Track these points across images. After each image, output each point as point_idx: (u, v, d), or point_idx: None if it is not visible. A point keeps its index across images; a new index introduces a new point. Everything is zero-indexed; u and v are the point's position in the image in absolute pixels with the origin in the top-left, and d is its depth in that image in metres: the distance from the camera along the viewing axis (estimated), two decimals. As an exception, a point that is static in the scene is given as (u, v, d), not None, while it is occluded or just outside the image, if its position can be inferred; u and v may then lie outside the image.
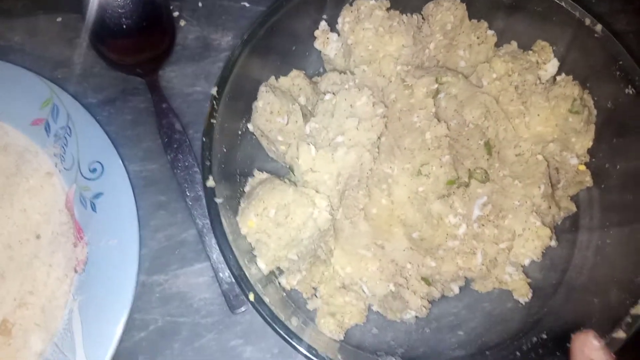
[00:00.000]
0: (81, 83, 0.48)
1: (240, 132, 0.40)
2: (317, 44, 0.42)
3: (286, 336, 0.33)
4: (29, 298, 0.39)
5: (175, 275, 0.44)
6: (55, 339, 0.39)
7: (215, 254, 0.44)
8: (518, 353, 0.39)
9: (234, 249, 0.34)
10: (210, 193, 0.34)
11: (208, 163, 0.34)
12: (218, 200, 0.34)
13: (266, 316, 0.33)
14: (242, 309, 0.43)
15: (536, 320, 0.40)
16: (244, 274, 0.33)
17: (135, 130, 0.48)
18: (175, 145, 0.46)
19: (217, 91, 0.36)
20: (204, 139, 0.35)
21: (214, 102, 0.36)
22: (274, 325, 0.33)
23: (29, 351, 0.38)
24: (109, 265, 0.39)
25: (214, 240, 0.44)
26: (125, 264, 0.39)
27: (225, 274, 0.43)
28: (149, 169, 0.46)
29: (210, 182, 0.35)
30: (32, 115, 0.43)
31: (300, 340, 0.33)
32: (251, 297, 0.33)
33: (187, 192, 0.44)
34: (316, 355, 0.33)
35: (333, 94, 0.39)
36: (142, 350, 0.41)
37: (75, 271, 0.40)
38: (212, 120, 0.35)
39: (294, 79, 0.41)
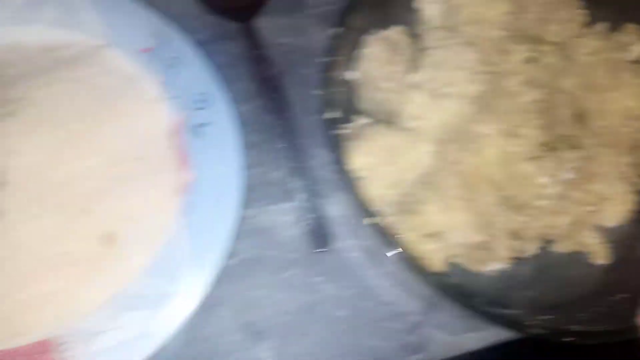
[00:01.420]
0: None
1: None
2: (418, 2, 0.44)
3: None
4: (134, 214, 0.41)
5: (263, 212, 0.46)
6: (159, 256, 0.40)
7: (302, 195, 0.45)
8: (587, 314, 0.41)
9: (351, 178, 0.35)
10: (331, 124, 0.36)
11: (330, 96, 0.36)
12: (345, 129, 0.36)
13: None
14: (325, 248, 0.44)
15: (610, 283, 0.42)
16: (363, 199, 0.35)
17: (227, 73, 0.49)
18: (268, 89, 0.47)
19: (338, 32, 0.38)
20: (327, 74, 0.37)
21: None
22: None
23: (132, 265, 0.40)
24: (214, 190, 0.41)
25: (300, 183, 0.46)
26: (230, 191, 0.41)
27: (311, 214, 0.45)
28: (241, 111, 0.48)
29: (332, 114, 0.37)
30: (141, 44, 0.45)
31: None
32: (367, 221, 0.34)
33: (279, 135, 0.46)
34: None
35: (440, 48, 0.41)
36: (232, 275, 0.43)
37: (180, 194, 0.41)
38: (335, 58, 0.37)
39: (396, 33, 0.43)
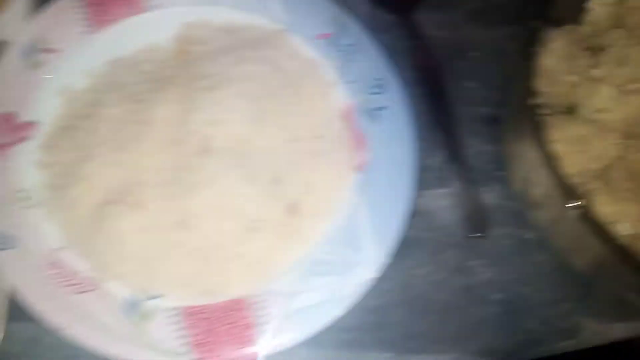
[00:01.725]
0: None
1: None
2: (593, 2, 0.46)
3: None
4: (315, 188, 0.44)
5: (421, 195, 0.48)
6: (340, 227, 0.43)
7: (458, 182, 0.47)
8: None
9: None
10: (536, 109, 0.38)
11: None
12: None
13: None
14: (481, 234, 0.46)
15: None
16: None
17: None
18: (429, 80, 0.50)
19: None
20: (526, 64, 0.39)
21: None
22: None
23: (315, 234, 0.43)
24: (389, 170, 0.43)
25: (456, 170, 0.48)
26: (405, 171, 0.43)
27: (467, 201, 0.47)
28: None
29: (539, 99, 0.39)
30: (319, 30, 0.48)
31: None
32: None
33: (436, 123, 0.48)
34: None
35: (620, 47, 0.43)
36: (394, 253, 0.45)
37: (357, 171, 0.44)
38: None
39: (574, 30, 0.45)
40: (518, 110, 0.42)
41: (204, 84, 0.43)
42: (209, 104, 0.42)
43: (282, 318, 0.39)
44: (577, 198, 0.37)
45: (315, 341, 0.40)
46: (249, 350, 0.38)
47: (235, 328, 0.39)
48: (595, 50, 0.44)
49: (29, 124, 0.43)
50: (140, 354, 0.38)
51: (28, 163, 0.43)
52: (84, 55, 0.46)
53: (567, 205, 0.37)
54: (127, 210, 0.40)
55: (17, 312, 0.41)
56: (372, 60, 0.47)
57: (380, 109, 0.45)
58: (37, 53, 0.45)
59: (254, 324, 0.39)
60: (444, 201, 0.49)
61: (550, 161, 0.37)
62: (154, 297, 0.40)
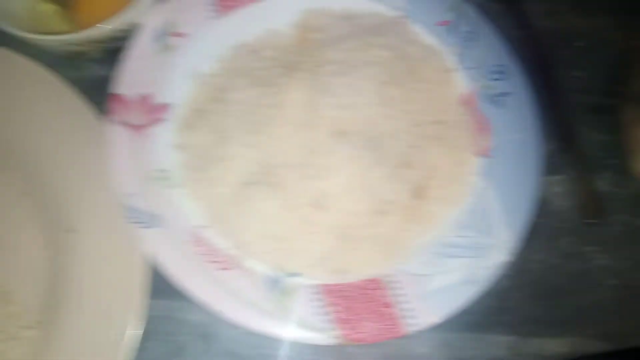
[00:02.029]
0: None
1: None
2: None
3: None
4: (440, 172, 0.44)
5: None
6: (468, 211, 0.43)
7: (572, 169, 0.48)
8: None
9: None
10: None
11: None
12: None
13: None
14: (596, 220, 0.47)
15: None
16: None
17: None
18: (539, 68, 0.50)
19: None
20: None
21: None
22: None
23: (442, 217, 0.44)
24: (515, 155, 0.44)
25: (570, 157, 0.48)
26: (530, 156, 0.44)
27: (581, 188, 0.48)
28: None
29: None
30: (439, 17, 0.48)
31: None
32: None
33: (548, 111, 0.49)
34: None
35: None
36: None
37: (482, 156, 0.45)
38: None
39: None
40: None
41: (331, 69, 0.44)
42: (338, 88, 0.43)
43: (419, 299, 0.40)
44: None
45: (439, 323, 0.41)
46: (391, 327, 0.39)
47: (375, 306, 0.40)
48: None
49: (164, 106, 0.45)
50: (285, 328, 0.39)
51: (165, 144, 0.44)
52: (211, 40, 0.47)
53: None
54: (267, 190, 0.41)
55: (156, 290, 0.42)
56: (492, 47, 0.47)
57: (503, 94, 0.46)
58: (167, 37, 0.46)
59: (392, 303, 0.40)
60: (559, 188, 0.49)
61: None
62: (293, 275, 0.41)
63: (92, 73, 0.50)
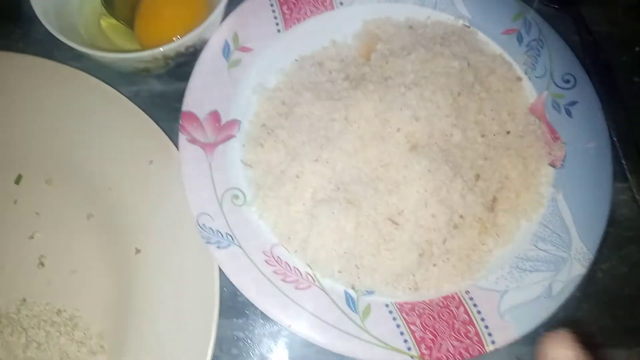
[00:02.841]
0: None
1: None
2: None
3: None
4: (510, 184, 0.44)
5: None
6: (539, 224, 0.43)
7: (635, 176, 0.48)
8: None
9: None
10: None
11: None
12: None
13: None
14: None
15: None
16: None
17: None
18: (601, 74, 0.50)
19: None
20: None
21: None
22: None
23: (516, 230, 0.43)
24: (586, 165, 0.44)
25: (633, 164, 0.48)
26: (602, 166, 0.44)
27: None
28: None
29: None
30: (503, 26, 0.48)
31: None
32: None
33: (614, 117, 0.48)
34: None
35: None
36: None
37: (554, 166, 0.44)
38: None
39: None
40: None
41: (402, 80, 0.44)
42: (411, 100, 0.43)
43: (498, 315, 0.40)
44: None
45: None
46: (472, 345, 0.39)
47: (454, 324, 0.40)
48: None
49: (233, 122, 0.44)
50: (365, 349, 0.39)
51: (235, 161, 0.44)
52: (275, 54, 0.46)
53: None
54: (341, 207, 0.41)
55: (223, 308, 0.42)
56: (559, 55, 0.47)
57: (571, 103, 0.45)
58: (234, 52, 0.45)
59: (472, 320, 0.40)
60: (623, 195, 0.49)
61: None
62: (368, 293, 0.41)
63: (150, 88, 0.50)
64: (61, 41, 0.42)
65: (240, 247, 0.41)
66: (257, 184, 0.43)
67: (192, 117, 0.43)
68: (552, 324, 0.44)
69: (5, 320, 0.42)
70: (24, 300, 0.43)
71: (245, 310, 0.44)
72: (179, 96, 0.48)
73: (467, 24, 0.48)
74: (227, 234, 0.41)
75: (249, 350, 0.43)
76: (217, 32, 0.45)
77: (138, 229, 0.43)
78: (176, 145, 0.44)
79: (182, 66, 0.47)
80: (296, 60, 0.47)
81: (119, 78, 0.49)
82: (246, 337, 0.44)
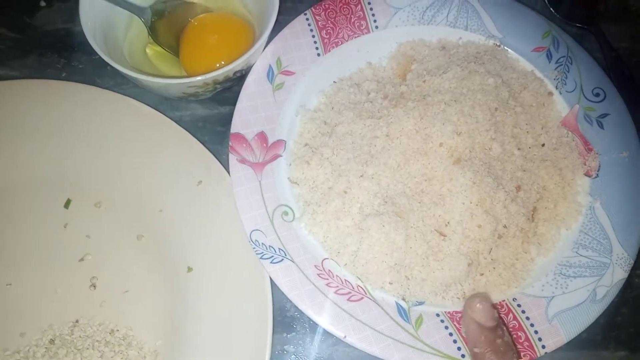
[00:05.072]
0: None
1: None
2: None
3: None
4: (548, 194, 0.46)
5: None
6: (579, 231, 0.45)
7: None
8: None
9: None
10: None
11: None
12: None
13: None
14: None
15: None
16: None
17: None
18: (624, 88, 0.52)
19: None
20: None
21: None
22: None
23: (557, 238, 0.45)
24: (621, 172, 0.46)
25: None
26: (637, 172, 0.45)
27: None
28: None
29: None
30: (533, 44, 0.50)
31: None
32: None
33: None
34: None
35: None
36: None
37: (589, 175, 0.46)
38: None
39: None
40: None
41: (440, 98, 0.46)
42: (451, 115, 0.44)
43: (546, 320, 0.41)
44: None
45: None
46: (523, 350, 0.40)
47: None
48: None
49: (279, 143, 0.46)
50: (421, 358, 0.40)
51: (283, 180, 0.45)
52: (315, 76, 0.48)
53: None
54: (388, 220, 0.42)
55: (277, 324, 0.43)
56: (587, 71, 0.49)
57: (603, 115, 0.47)
58: (277, 76, 0.47)
59: (521, 327, 0.41)
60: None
61: None
62: (418, 304, 0.42)
63: (193, 113, 0.51)
64: (102, 70, 0.44)
65: (292, 261, 0.42)
66: (305, 200, 0.45)
67: (241, 138, 0.45)
68: (596, 330, 0.46)
69: (59, 342, 0.42)
70: (77, 321, 0.43)
71: (294, 324, 0.45)
72: (221, 120, 0.50)
73: (498, 43, 0.51)
74: (279, 249, 0.42)
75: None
76: (261, 57, 0.47)
77: (189, 248, 0.44)
78: (223, 165, 0.45)
79: (224, 91, 0.49)
80: (335, 82, 0.49)
81: (161, 104, 0.50)
82: (297, 351, 0.44)
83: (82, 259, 0.45)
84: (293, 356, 0.44)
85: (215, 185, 0.45)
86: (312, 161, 0.45)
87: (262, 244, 0.42)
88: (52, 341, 0.43)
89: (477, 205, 0.43)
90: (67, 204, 0.47)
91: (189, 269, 0.44)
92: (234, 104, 0.46)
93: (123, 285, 0.45)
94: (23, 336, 0.43)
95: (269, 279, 0.42)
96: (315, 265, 0.42)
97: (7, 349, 0.42)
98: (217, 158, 0.46)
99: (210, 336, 0.42)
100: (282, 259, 0.42)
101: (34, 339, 0.43)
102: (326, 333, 0.43)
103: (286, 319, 0.45)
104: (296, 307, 0.42)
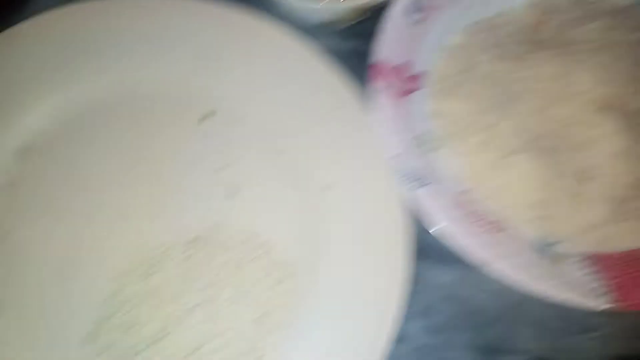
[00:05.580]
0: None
1: None
2: None
3: None
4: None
5: None
6: None
7: None
8: None
9: None
10: None
11: None
12: None
13: None
14: None
15: None
16: None
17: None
18: None
19: None
20: None
21: None
22: None
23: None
24: None
25: None
26: None
27: None
28: None
29: None
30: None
31: None
32: None
33: None
34: None
35: None
36: None
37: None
38: None
39: None
40: None
41: (580, 47, 0.46)
42: (591, 65, 0.44)
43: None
44: None
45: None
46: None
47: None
48: None
49: (418, 75, 0.46)
50: (561, 292, 0.40)
51: (423, 111, 0.46)
52: (457, 14, 0.49)
53: None
54: (531, 158, 0.42)
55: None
56: None
57: None
58: (419, 10, 0.48)
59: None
60: None
61: None
62: (558, 242, 0.42)
63: (329, 43, 0.52)
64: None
65: (432, 189, 0.42)
66: (447, 132, 0.45)
67: (382, 67, 0.45)
68: None
69: (199, 243, 0.43)
70: (216, 225, 0.44)
71: (429, 251, 0.45)
72: (357, 52, 0.50)
73: (633, 2, 0.50)
74: (419, 176, 0.42)
75: (429, 290, 0.44)
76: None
77: (326, 167, 0.45)
78: (362, 94, 0.46)
79: (363, 22, 0.49)
80: (475, 21, 0.49)
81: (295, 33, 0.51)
82: (427, 279, 0.45)
83: (221, 169, 0.46)
84: (427, 284, 0.44)
85: (355, 111, 0.46)
86: (454, 95, 0.46)
87: (403, 170, 0.43)
88: (192, 241, 0.44)
89: (623, 151, 0.42)
90: (208, 115, 0.48)
91: (326, 187, 0.45)
92: (372, 36, 0.47)
93: (260, 197, 0.45)
94: (165, 234, 0.44)
95: (405, 205, 0.43)
96: (455, 195, 0.43)
97: (149, 243, 0.43)
98: (355, 86, 0.47)
99: (346, 254, 0.43)
100: (423, 186, 0.42)
101: (175, 238, 0.44)
102: (461, 262, 0.43)
103: (422, 246, 0.45)
104: (433, 236, 0.42)
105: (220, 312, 0.42)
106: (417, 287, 0.45)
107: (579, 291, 0.40)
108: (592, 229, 0.42)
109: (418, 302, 0.44)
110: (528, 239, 0.42)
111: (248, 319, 0.42)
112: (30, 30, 0.47)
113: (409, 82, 0.46)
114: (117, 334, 0.41)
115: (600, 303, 0.40)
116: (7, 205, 0.44)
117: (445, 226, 0.41)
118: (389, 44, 0.46)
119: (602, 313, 0.40)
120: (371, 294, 0.42)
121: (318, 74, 0.47)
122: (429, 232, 0.42)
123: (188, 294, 0.42)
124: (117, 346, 0.41)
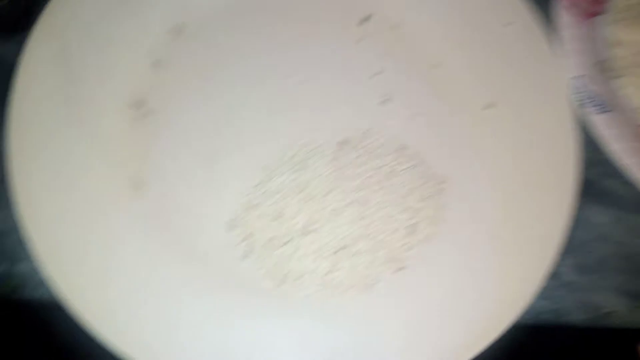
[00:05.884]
0: None
1: None
2: None
3: None
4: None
5: None
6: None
7: None
8: None
9: None
10: None
11: None
12: None
13: None
14: None
15: None
16: None
17: None
18: None
19: None
20: None
21: None
22: None
23: None
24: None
25: None
26: None
27: None
28: None
29: None
30: None
31: None
32: None
33: None
34: None
35: None
36: None
37: None
38: None
39: None
40: None
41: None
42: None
43: None
44: None
45: None
46: None
47: None
48: None
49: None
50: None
51: (605, 37, 0.42)
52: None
53: None
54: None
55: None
56: None
57: None
58: None
59: None
60: None
61: None
62: None
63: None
64: None
65: (614, 117, 0.39)
66: (629, 62, 0.42)
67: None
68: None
69: (350, 145, 0.41)
70: (368, 130, 0.42)
71: (584, 187, 0.42)
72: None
73: None
74: (602, 101, 0.39)
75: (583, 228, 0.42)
76: None
77: (491, 85, 0.42)
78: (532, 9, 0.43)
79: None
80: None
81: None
82: (581, 216, 0.42)
83: (376, 75, 0.44)
84: (582, 221, 0.42)
85: (526, 29, 0.43)
86: (637, 26, 0.42)
87: (585, 92, 0.40)
88: (342, 143, 0.42)
89: None
90: (365, 19, 0.45)
91: (489, 105, 0.42)
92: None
93: (416, 107, 0.43)
94: (315, 132, 0.42)
95: (578, 133, 0.40)
96: (636, 125, 0.40)
97: (298, 139, 0.42)
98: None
99: (501, 183, 0.41)
100: (604, 112, 0.39)
101: (326, 137, 0.42)
102: (619, 204, 0.41)
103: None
104: (593, 172, 0.40)
105: (370, 215, 0.40)
106: (572, 223, 0.42)
107: None
108: None
109: (571, 239, 0.42)
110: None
111: (398, 227, 0.40)
112: None
113: (595, 5, 0.43)
114: (263, 222, 0.40)
115: None
116: (156, 83, 0.43)
117: (623, 154, 0.38)
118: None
119: None
120: (527, 225, 0.39)
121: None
122: (589, 168, 0.40)
123: (338, 192, 0.40)
124: (262, 235, 0.39)
